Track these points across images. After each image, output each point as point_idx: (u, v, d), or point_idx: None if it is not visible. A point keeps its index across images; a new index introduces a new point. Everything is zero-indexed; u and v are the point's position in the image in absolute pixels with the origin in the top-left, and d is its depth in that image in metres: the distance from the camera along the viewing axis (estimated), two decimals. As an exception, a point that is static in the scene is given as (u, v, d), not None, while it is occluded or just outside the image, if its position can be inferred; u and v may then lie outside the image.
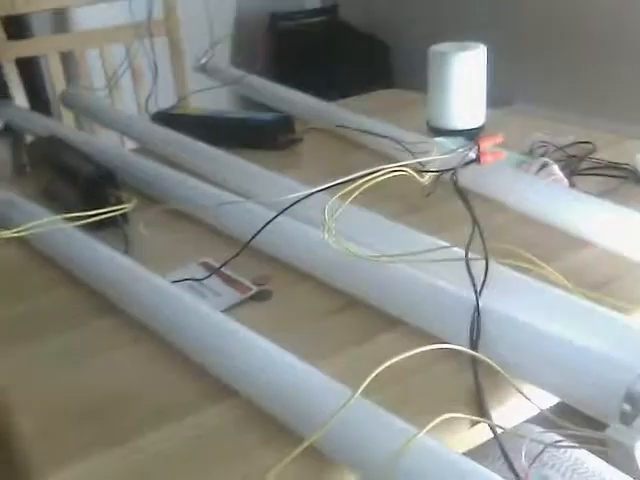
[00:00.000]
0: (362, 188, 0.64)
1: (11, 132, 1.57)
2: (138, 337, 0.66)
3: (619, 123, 1.34)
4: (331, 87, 1.36)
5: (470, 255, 0.63)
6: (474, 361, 0.56)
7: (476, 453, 0.51)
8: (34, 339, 0.67)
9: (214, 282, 0.73)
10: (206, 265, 0.77)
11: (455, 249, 0.67)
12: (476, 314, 0.57)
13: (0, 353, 0.66)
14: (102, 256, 0.75)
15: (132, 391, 0.59)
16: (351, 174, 0.68)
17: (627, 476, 0.68)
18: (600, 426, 0.48)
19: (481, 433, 0.53)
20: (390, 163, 0.65)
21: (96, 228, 0.79)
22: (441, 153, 0.76)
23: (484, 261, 0.63)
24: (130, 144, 1.29)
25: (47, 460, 0.53)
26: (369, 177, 0.65)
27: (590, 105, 1.97)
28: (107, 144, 1.07)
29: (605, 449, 0.46)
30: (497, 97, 1.13)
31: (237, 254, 0.73)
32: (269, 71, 2.31)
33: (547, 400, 0.54)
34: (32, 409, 0.58)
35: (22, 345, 0.67)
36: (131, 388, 0.60)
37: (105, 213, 0.77)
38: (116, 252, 0.75)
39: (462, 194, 0.63)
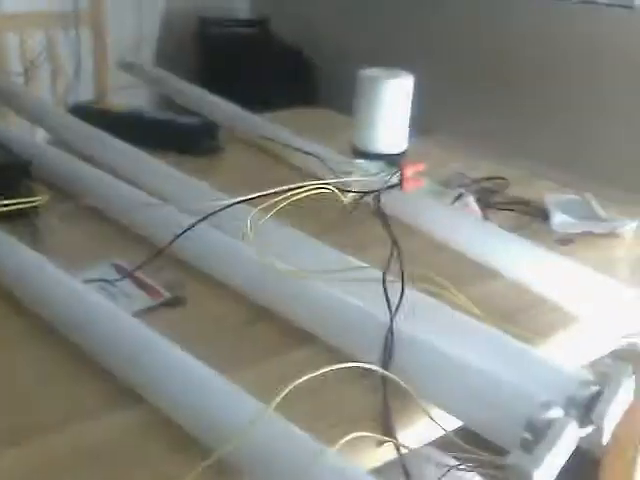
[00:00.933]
0: (286, 202, 0.64)
1: None
2: (46, 336, 0.63)
3: (533, 162, 1.40)
4: (255, 99, 1.35)
5: (387, 277, 0.64)
6: (384, 381, 0.57)
7: (381, 472, 0.52)
8: None
9: (126, 285, 0.71)
10: (119, 267, 0.75)
11: (372, 270, 0.68)
12: (389, 335, 0.58)
13: None
14: (8, 249, 0.72)
15: (36, 391, 0.57)
16: (272, 187, 0.68)
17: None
18: (502, 452, 0.50)
19: (387, 452, 0.54)
20: (313, 180, 0.66)
21: (4, 219, 0.76)
22: (365, 175, 0.77)
23: (400, 284, 0.64)
24: (41, 134, 1.24)
25: None
26: (293, 192, 0.65)
27: (507, 142, 2.05)
28: (22, 133, 1.03)
29: (505, 475, 0.48)
30: (419, 125, 1.16)
31: (152, 258, 0.71)
32: (194, 77, 2.28)
33: (453, 423, 0.56)
34: None
35: None
36: (35, 388, 0.58)
37: (15, 204, 0.74)
38: (23, 246, 0.72)
39: (384, 217, 0.65)
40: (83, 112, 1.16)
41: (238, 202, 0.66)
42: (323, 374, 0.53)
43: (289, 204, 0.69)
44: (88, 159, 0.96)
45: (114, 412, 0.55)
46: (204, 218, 0.70)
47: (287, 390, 0.48)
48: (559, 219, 0.93)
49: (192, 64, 2.30)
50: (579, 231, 0.91)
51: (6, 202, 0.74)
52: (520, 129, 2.14)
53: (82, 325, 0.62)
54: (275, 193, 0.66)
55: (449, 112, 2.23)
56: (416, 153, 1.14)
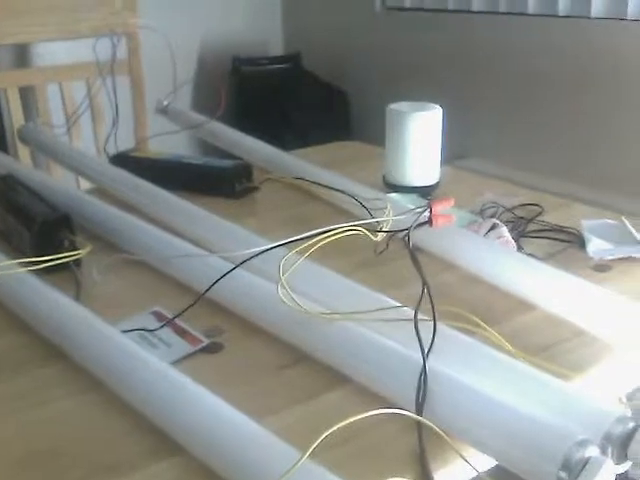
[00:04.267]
0: (316, 246, 0.66)
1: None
2: (85, 387, 0.65)
3: (569, 185, 1.39)
4: (290, 134, 1.38)
5: (419, 316, 0.65)
6: (419, 424, 0.57)
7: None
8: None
9: (165, 332, 0.73)
10: (158, 314, 0.77)
11: (404, 309, 0.68)
12: (423, 376, 0.59)
13: None
14: (52, 301, 0.74)
15: (77, 443, 0.59)
16: (307, 225, 0.70)
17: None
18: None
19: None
20: (345, 216, 0.67)
21: (48, 272, 0.79)
22: (395, 213, 0.78)
23: (432, 323, 0.64)
24: (85, 184, 1.28)
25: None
26: (323, 235, 0.66)
27: (542, 165, 2.04)
28: (63, 185, 1.07)
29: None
30: (452, 152, 1.17)
31: (191, 305, 0.73)
32: (230, 115, 2.33)
33: (488, 463, 0.56)
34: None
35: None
36: (76, 440, 0.59)
37: (58, 259, 0.77)
38: (67, 298, 0.74)
39: (414, 256, 0.65)
40: (123, 161, 1.20)
41: (270, 248, 0.68)
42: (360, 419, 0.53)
43: (324, 245, 0.70)
44: (128, 207, 0.99)
45: (152, 463, 0.56)
46: (239, 265, 0.72)
47: (320, 439, 0.48)
48: (595, 245, 0.92)
49: (228, 104, 2.35)
50: (616, 257, 0.90)
51: (49, 257, 0.76)
52: (555, 149, 2.13)
53: (119, 375, 0.63)
54: (306, 237, 0.67)
55: (481, 137, 2.23)
56: (449, 182, 1.15)
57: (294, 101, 2.31)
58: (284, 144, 1.27)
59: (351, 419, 0.50)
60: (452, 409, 0.57)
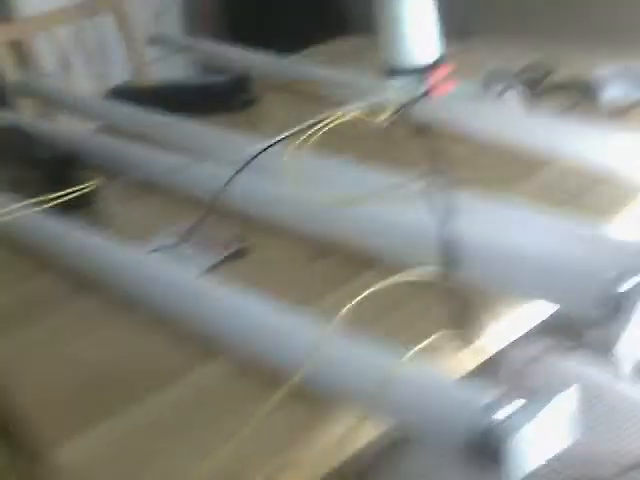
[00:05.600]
0: (318, 134, 0.65)
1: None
2: (121, 311, 0.67)
3: (579, 39, 1.33)
4: (285, 40, 1.34)
5: (433, 187, 0.64)
6: (449, 288, 0.57)
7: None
8: (22, 326, 0.68)
9: (189, 247, 0.74)
10: (180, 232, 0.77)
11: (418, 183, 0.67)
12: (448, 240, 0.58)
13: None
14: (76, 237, 0.75)
15: (123, 362, 0.61)
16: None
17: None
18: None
19: (469, 358, 0.55)
20: (344, 106, 0.65)
21: (67, 211, 0.79)
22: (394, 94, 0.76)
23: (448, 191, 0.63)
24: (89, 125, 1.28)
25: (51, 435, 0.54)
26: (322, 124, 0.65)
27: (549, 26, 1.96)
28: (68, 128, 1.07)
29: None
30: (452, 29, 1.13)
31: (202, 217, 0.73)
32: (221, 31, 2.27)
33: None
34: (30, 390, 0.59)
35: (12, 333, 0.67)
36: (122, 360, 0.61)
37: (70, 193, 0.77)
38: (88, 231, 0.75)
39: (418, 129, 0.64)
40: (120, 94, 1.18)
41: (272, 145, 0.67)
42: (393, 291, 0.54)
43: (327, 138, 0.69)
44: (135, 138, 0.99)
45: (195, 368, 0.58)
46: (245, 165, 0.71)
47: (346, 308, 0.49)
48: (608, 92, 0.89)
49: (217, 20, 2.29)
50: (630, 101, 0.87)
51: (62, 193, 0.77)
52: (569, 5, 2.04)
53: (153, 294, 0.65)
54: (308, 127, 0.66)
55: (488, 11, 2.15)
56: (452, 59, 1.11)
57: (285, 6, 2.23)
58: (280, 53, 1.24)
59: (381, 284, 0.50)
60: (485, 266, 0.57)
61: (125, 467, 0.50)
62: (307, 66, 1.13)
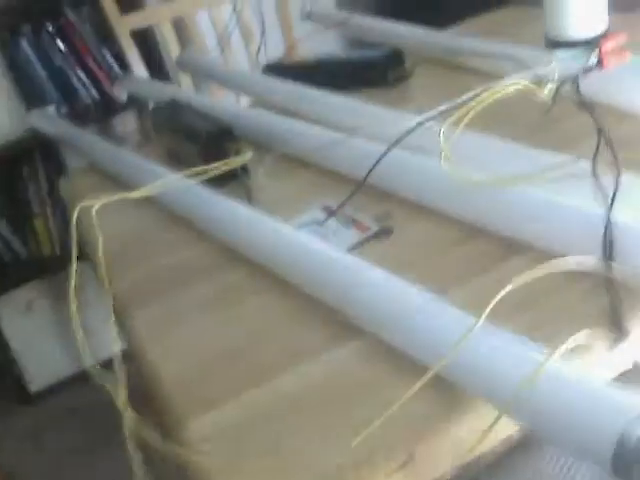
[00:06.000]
0: (478, 107, 0.62)
1: (135, 103, 1.64)
2: (268, 285, 0.68)
3: None
4: (441, 14, 1.31)
5: (598, 168, 0.59)
6: (608, 279, 0.53)
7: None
8: (171, 294, 0.71)
9: (336, 224, 0.74)
10: (327, 208, 0.77)
11: (581, 163, 0.63)
12: (608, 228, 0.54)
13: (140, 308, 0.70)
14: (227, 209, 0.77)
15: (265, 336, 0.62)
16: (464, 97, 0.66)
17: None
18: None
19: (620, 359, 0.50)
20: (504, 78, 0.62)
21: (219, 183, 0.82)
22: (560, 66, 0.71)
23: (614, 173, 0.59)
24: (245, 100, 1.31)
25: (191, 404, 0.56)
26: (483, 96, 0.62)
27: None
28: (223, 102, 1.10)
29: None
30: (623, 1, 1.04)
31: (353, 193, 0.73)
32: (375, 5, 2.25)
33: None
34: (173, 358, 0.62)
35: (160, 300, 0.71)
36: (263, 333, 0.62)
37: (226, 165, 0.79)
38: (240, 204, 0.77)
39: (585, 103, 0.59)
40: (276, 70, 1.20)
41: (425, 120, 0.65)
42: (541, 280, 0.51)
43: (484, 112, 0.65)
44: (288, 113, 1.00)
45: (336, 346, 0.57)
46: (396, 143, 0.70)
47: (499, 296, 0.46)
48: None
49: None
50: None
51: (217, 164, 0.79)
52: None
53: (299, 268, 0.65)
54: (465, 102, 0.63)
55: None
56: (620, 32, 1.03)
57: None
58: (436, 28, 1.21)
59: (530, 274, 0.47)
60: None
61: (253, 445, 0.50)
62: (463, 39, 1.09)
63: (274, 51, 1.47)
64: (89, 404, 1.57)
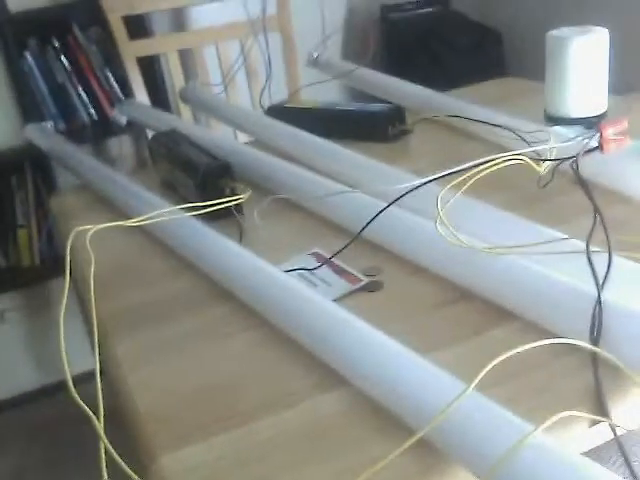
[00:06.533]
0: (475, 177, 0.63)
1: (133, 127, 1.64)
2: (252, 324, 0.67)
3: None
4: (442, 77, 1.34)
5: (591, 247, 0.61)
6: (594, 357, 0.53)
7: (594, 455, 0.49)
8: (154, 325, 0.70)
9: (325, 272, 0.74)
10: (317, 255, 0.78)
11: (574, 241, 0.64)
12: (597, 308, 0.55)
13: (122, 337, 0.69)
14: (218, 245, 0.77)
15: (246, 377, 0.61)
16: (463, 165, 0.67)
17: None
18: None
19: (600, 434, 0.51)
20: (501, 149, 0.63)
21: (212, 218, 0.82)
22: (561, 141, 0.73)
23: (606, 253, 0.60)
24: (242, 137, 1.32)
25: (164, 440, 0.55)
26: (482, 167, 0.63)
27: None
28: (223, 138, 1.11)
29: None
30: (620, 82, 1.08)
31: (347, 245, 0.73)
32: (380, 62, 2.30)
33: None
34: (151, 391, 0.61)
35: (143, 330, 0.70)
36: (245, 374, 0.61)
37: (221, 204, 0.79)
38: (231, 241, 0.77)
39: (583, 183, 0.61)
40: (278, 112, 1.22)
41: (426, 182, 0.66)
42: (528, 352, 0.51)
43: (480, 179, 0.67)
44: (285, 156, 1.01)
45: (318, 395, 0.57)
46: (395, 201, 0.71)
47: (489, 367, 0.47)
48: None
49: (377, 51, 2.32)
50: None
51: (213, 202, 0.79)
52: None
53: (285, 313, 0.65)
54: (463, 170, 0.64)
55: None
56: (619, 113, 1.06)
57: (444, 44, 2.23)
58: (435, 88, 1.23)
59: (520, 348, 0.47)
60: (631, 342, 0.53)
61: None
62: (464, 104, 1.12)
63: (277, 94, 1.49)
64: (53, 419, 1.54)
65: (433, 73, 2.04)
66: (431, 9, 2.44)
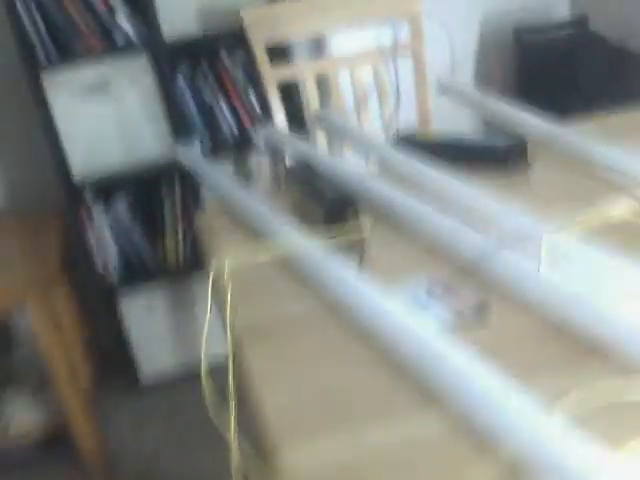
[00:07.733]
0: (587, 224, 0.67)
1: (271, 151, 1.77)
2: (365, 346, 0.76)
3: None
4: (577, 104, 1.35)
5: None
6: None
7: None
8: (282, 337, 0.81)
9: (435, 303, 0.81)
10: (429, 286, 0.85)
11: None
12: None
13: (254, 344, 0.80)
14: (339, 274, 0.87)
15: (355, 389, 0.70)
16: (582, 204, 0.70)
17: None
18: None
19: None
20: (620, 193, 0.66)
21: (334, 245, 0.91)
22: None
23: None
24: (371, 165, 1.40)
25: (289, 434, 0.65)
26: (598, 216, 0.67)
27: None
28: (351, 169, 1.19)
29: None
30: None
31: (459, 279, 0.80)
32: (514, 87, 2.30)
33: None
34: (278, 392, 0.71)
35: (271, 341, 0.80)
36: (355, 386, 0.71)
37: (345, 236, 0.88)
38: (351, 269, 0.86)
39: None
40: (408, 143, 1.29)
41: (549, 229, 0.71)
42: (616, 390, 0.55)
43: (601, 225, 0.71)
44: (411, 186, 1.08)
45: (425, 414, 0.65)
46: (508, 247, 0.76)
47: (587, 398, 0.52)
48: None
49: (510, 76, 2.34)
50: None
51: (335, 235, 0.88)
52: None
53: (394, 338, 0.73)
54: (583, 217, 0.69)
55: None
56: None
57: (581, 68, 2.20)
58: (571, 114, 1.25)
59: (614, 389, 0.52)
60: None
61: None
62: (584, 140, 1.14)
63: (406, 121, 1.56)
64: (191, 404, 1.71)
65: (568, 99, 2.03)
66: (568, 31, 2.41)
